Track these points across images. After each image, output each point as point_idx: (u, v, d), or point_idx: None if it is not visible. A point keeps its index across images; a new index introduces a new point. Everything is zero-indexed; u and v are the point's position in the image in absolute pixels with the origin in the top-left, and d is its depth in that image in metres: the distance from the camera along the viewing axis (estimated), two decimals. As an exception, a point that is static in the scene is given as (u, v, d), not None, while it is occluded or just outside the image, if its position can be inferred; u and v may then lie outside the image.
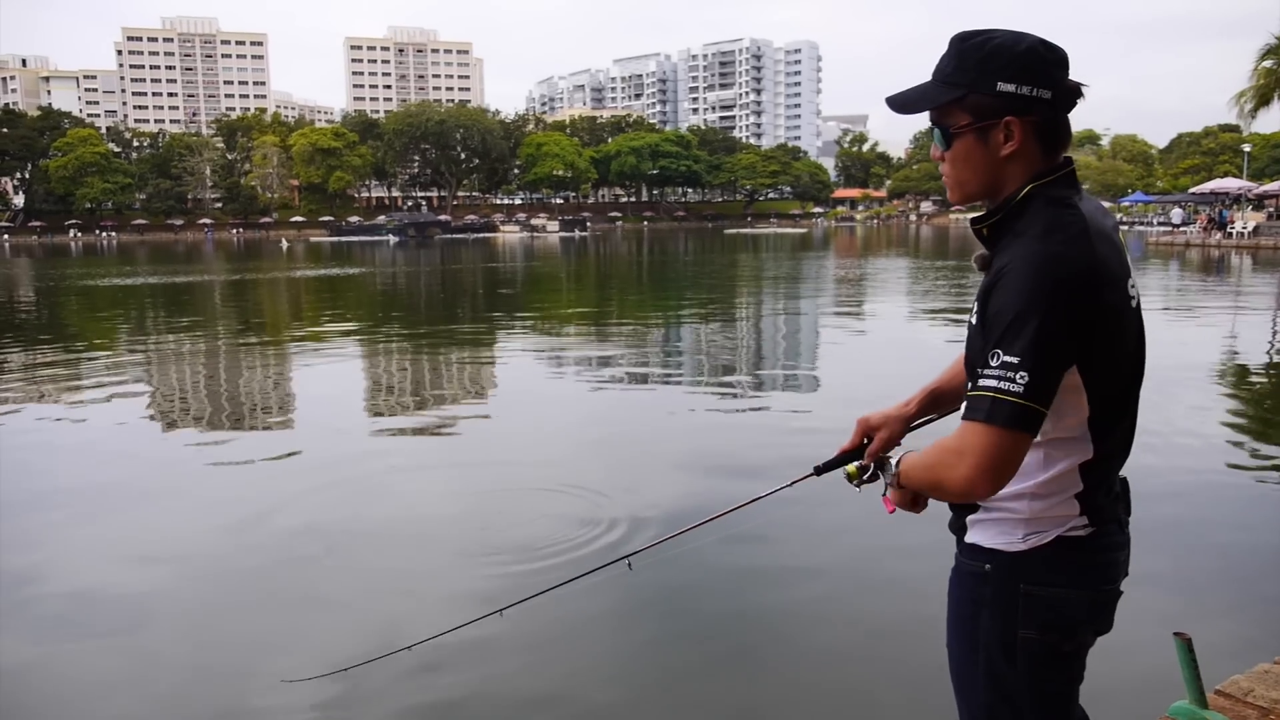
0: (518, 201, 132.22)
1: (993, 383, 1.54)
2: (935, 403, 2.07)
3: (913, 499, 1.84)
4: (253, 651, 4.38)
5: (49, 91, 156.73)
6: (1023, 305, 1.53)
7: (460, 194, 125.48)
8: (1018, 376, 1.52)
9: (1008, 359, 1.53)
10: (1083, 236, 1.60)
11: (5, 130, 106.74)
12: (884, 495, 1.94)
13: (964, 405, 1.61)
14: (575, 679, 4.10)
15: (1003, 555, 1.72)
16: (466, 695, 3.96)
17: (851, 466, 2.01)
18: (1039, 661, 1.72)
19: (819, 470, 2.09)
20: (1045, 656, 1.72)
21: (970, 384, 1.62)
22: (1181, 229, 49.02)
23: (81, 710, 3.93)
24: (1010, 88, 1.63)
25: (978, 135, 1.68)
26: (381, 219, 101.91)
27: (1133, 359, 1.69)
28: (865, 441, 2.05)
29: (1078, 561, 1.70)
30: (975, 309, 1.70)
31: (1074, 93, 1.67)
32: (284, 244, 76.77)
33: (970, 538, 1.80)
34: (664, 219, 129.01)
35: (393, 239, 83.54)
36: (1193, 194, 56.83)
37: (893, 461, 1.82)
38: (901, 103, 1.77)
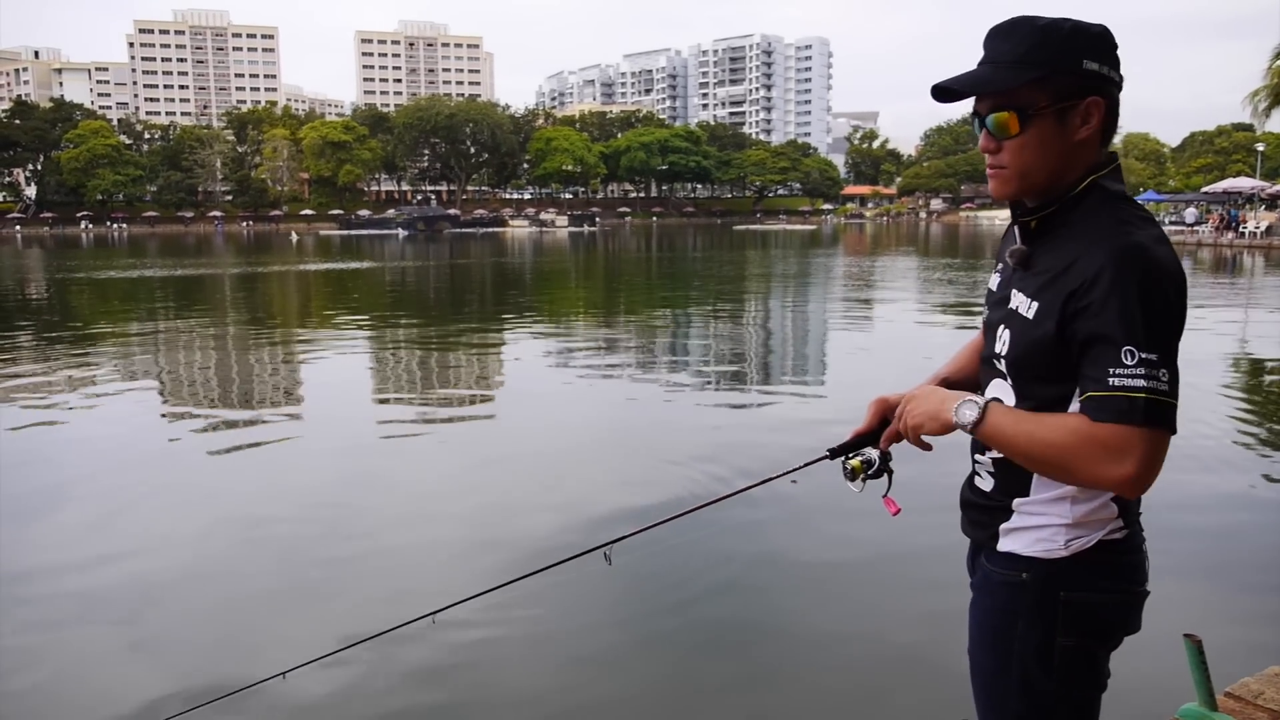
0: (527, 196, 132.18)
1: (1141, 381, 1.47)
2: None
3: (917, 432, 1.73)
4: (252, 639, 4.40)
5: (61, 83, 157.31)
6: (1140, 301, 1.48)
7: (469, 188, 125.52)
8: (1160, 373, 1.47)
9: (1146, 356, 1.47)
10: (1156, 230, 1.57)
11: (17, 122, 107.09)
12: (885, 496, 1.89)
13: (1096, 403, 1.50)
14: (576, 674, 4.10)
15: (1041, 563, 1.68)
16: (465, 693, 3.96)
17: (856, 461, 1.92)
18: (1076, 668, 1.69)
19: (833, 453, 1.99)
20: (1082, 663, 1.70)
21: (1091, 383, 1.51)
22: (1194, 229, 48.74)
23: (86, 695, 3.95)
24: (1095, 66, 1.57)
25: (1057, 117, 1.59)
26: (391, 213, 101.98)
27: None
28: (880, 425, 1.95)
29: (1115, 564, 1.69)
30: (1032, 304, 1.63)
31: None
32: (294, 237, 76.93)
33: (1004, 546, 1.74)
34: (673, 215, 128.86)
35: (402, 233, 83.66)
36: (1205, 193, 56.51)
37: (977, 402, 1.63)
38: (968, 84, 1.63)
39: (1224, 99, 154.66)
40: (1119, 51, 1.63)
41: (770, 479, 2.13)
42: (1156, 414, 1.48)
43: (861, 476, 1.90)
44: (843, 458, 1.94)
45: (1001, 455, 1.68)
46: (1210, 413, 8.62)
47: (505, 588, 2.58)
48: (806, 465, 2.04)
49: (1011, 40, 1.61)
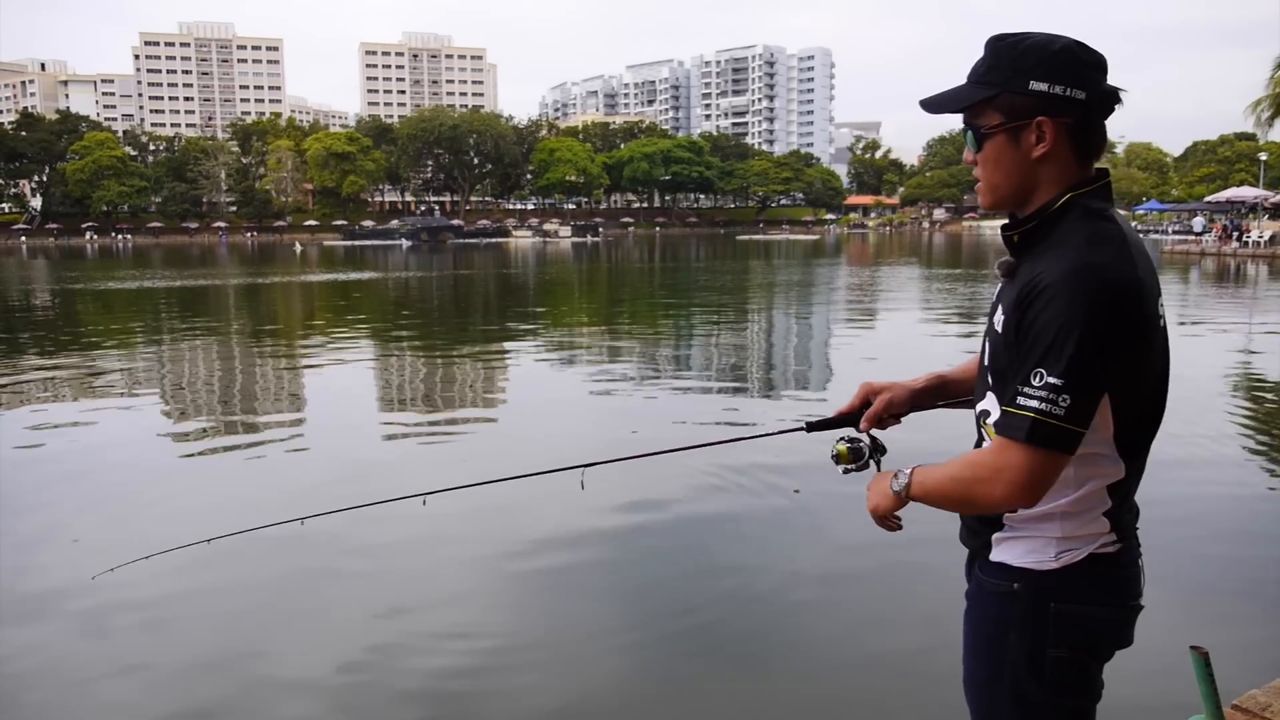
0: (530, 206, 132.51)
1: (1035, 404, 1.52)
2: (941, 390, 2.04)
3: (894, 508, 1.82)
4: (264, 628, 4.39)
5: (67, 95, 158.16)
6: (1067, 323, 1.51)
7: (473, 199, 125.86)
8: (1060, 399, 1.51)
9: (1051, 380, 1.51)
10: (1123, 250, 1.58)
11: (24, 133, 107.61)
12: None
13: (998, 419, 1.60)
14: (578, 684, 4.08)
15: (1033, 574, 1.70)
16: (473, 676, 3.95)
17: (842, 446, 1.95)
18: (1067, 680, 1.71)
19: (810, 427, 2.04)
20: (1073, 674, 1.71)
21: (1004, 397, 1.60)
22: (1200, 238, 48.75)
23: (87, 701, 3.94)
24: (1043, 87, 1.60)
25: (1009, 136, 1.65)
26: (395, 223, 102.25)
27: (1160, 379, 1.67)
28: (864, 408, 2.00)
29: (1107, 578, 1.70)
30: (1001, 316, 1.67)
31: (1111, 97, 1.64)
32: (298, 248, 77.11)
33: (996, 556, 1.76)
34: (676, 225, 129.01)
35: (405, 243, 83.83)
36: (1208, 202, 56.53)
37: (905, 472, 1.76)
38: (936, 103, 1.74)
39: (1226, 107, 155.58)
40: (1102, 67, 1.63)
41: (739, 439, 2.34)
42: (1040, 436, 1.52)
43: (846, 464, 1.95)
44: (834, 441, 1.98)
45: None
46: (1215, 424, 8.58)
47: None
48: (782, 432, 2.11)
49: (981, 59, 1.69)
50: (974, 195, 1.85)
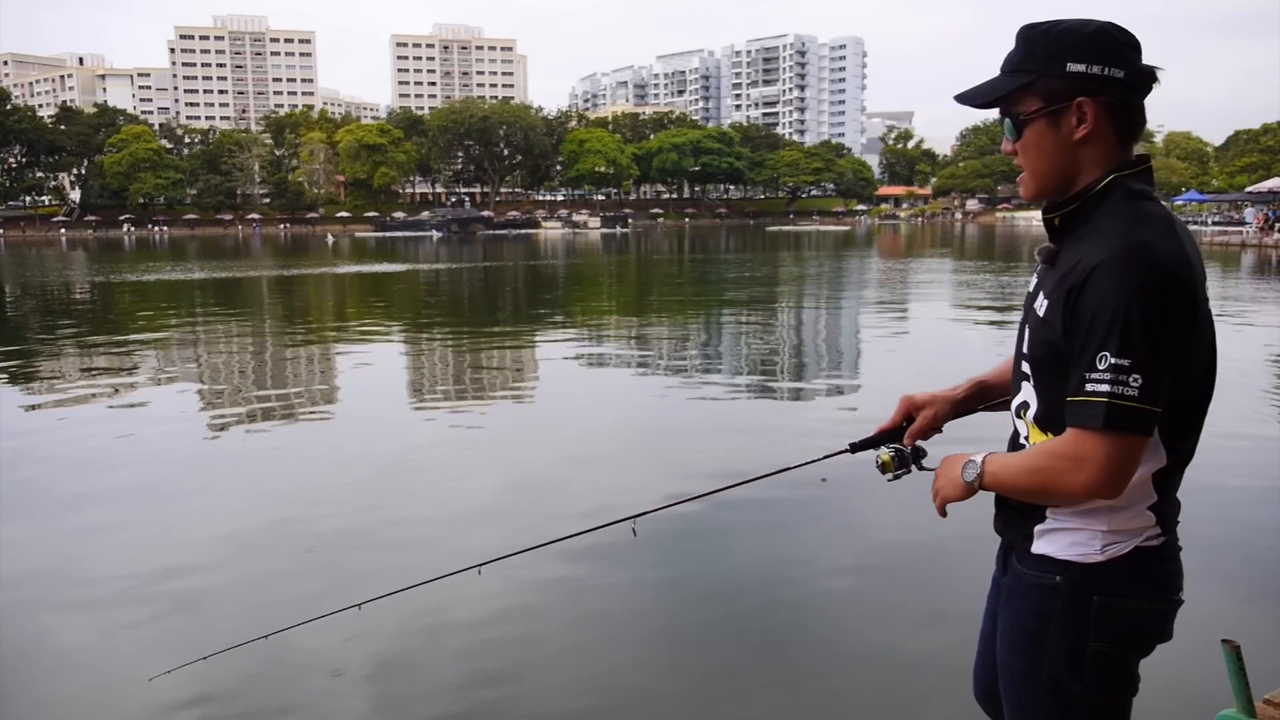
0: (560, 198, 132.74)
1: (1106, 387, 1.49)
2: (982, 395, 2.03)
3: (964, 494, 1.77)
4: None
5: (104, 89, 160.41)
6: (1127, 302, 1.48)
7: (503, 190, 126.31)
8: (1130, 379, 1.47)
9: (1117, 361, 1.48)
10: (1170, 229, 1.56)
11: (63, 127, 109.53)
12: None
13: (1069, 409, 1.55)
14: (606, 670, 4.13)
15: (1076, 567, 1.68)
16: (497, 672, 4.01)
17: (886, 454, 1.95)
18: (1107, 674, 1.69)
19: (854, 447, 2.04)
20: (1113, 668, 1.69)
21: (1068, 387, 1.56)
22: (1242, 229, 47.74)
23: (121, 688, 4.04)
24: (1080, 67, 1.59)
25: (1049, 120, 1.63)
26: (425, 215, 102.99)
27: (1207, 366, 1.63)
28: (905, 423, 2.00)
29: (1151, 571, 1.68)
30: (1045, 303, 1.65)
31: (1148, 76, 1.63)
32: (330, 239, 77.89)
33: (1038, 549, 1.73)
34: (706, 216, 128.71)
35: (436, 234, 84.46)
36: (1249, 193, 55.38)
37: (976, 461, 1.72)
38: (972, 96, 1.71)
39: (1268, 97, 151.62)
40: (1137, 47, 1.62)
41: (790, 468, 2.18)
42: (1118, 420, 1.48)
43: (891, 473, 1.95)
44: (873, 450, 1.99)
45: None
46: (1251, 416, 8.47)
47: (541, 553, 2.65)
48: (827, 457, 2.10)
49: (1015, 48, 1.67)
50: (1009, 186, 1.86)
